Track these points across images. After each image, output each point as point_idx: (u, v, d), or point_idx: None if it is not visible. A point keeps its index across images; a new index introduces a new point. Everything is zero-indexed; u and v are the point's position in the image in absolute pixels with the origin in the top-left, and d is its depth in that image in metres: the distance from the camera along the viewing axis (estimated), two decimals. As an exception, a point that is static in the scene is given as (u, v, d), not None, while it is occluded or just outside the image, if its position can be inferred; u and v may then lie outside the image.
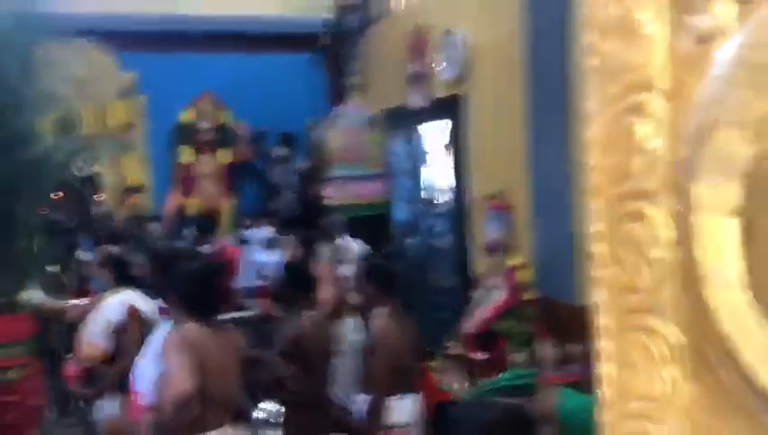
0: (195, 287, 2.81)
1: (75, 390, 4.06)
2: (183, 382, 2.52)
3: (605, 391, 0.73)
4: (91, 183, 7.09)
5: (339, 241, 5.88)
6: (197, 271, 2.89)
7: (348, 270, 5.44)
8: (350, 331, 4.36)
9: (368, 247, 5.89)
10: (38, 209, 2.24)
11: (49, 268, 2.72)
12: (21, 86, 2.13)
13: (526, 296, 4.49)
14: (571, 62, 4.16)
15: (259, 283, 5.55)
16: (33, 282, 2.38)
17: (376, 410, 3.37)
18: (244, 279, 5.68)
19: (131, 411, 3.26)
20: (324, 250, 5.63)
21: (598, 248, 0.72)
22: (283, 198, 7.32)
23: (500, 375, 3.48)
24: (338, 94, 7.87)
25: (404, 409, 3.41)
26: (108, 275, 3.90)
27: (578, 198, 4.22)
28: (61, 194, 6.18)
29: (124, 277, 3.94)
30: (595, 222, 0.73)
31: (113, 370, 3.67)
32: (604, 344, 0.73)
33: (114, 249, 4.46)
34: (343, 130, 7.09)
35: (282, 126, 7.38)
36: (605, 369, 0.73)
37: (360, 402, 3.56)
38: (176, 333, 2.74)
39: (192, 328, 2.74)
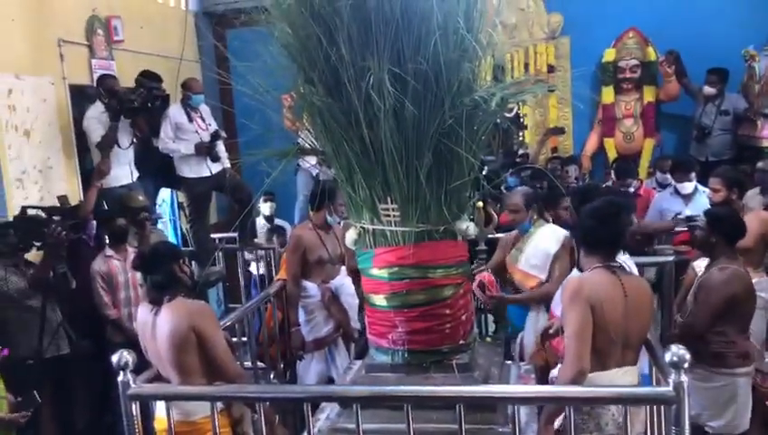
0: (592, 225, 2.76)
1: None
2: (578, 363, 2.53)
3: None
4: (516, 124, 7.56)
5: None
6: (594, 209, 2.81)
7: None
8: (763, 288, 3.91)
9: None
10: (474, 151, 2.54)
11: (479, 202, 3.09)
12: (463, 38, 2.39)
13: None
14: None
15: (678, 229, 5.28)
16: (466, 214, 2.74)
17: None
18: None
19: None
20: (756, 197, 5.06)
21: None
22: (712, 140, 6.73)
23: None
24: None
25: None
26: (531, 213, 4.13)
27: None
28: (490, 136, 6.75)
29: (542, 214, 4.18)
30: None
31: (539, 292, 3.92)
32: None
33: (534, 188, 4.76)
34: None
35: (713, 60, 6.71)
36: None
37: None
38: (576, 283, 2.71)
39: (591, 279, 2.70)
